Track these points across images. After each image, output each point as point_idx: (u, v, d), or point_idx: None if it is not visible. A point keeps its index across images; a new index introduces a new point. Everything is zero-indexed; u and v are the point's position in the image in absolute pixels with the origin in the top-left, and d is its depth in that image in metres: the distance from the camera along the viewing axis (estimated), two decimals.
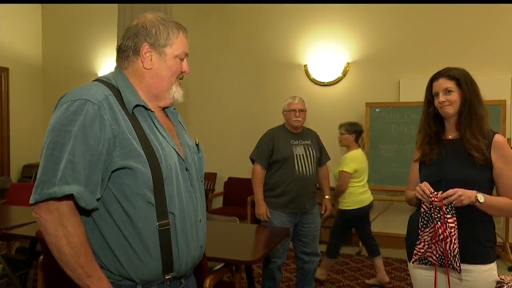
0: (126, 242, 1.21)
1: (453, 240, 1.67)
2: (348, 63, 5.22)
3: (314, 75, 5.33)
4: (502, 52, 4.70)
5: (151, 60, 1.29)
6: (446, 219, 1.67)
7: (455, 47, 4.78)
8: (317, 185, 3.39)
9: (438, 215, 1.69)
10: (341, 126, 3.89)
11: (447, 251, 1.68)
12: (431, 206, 1.72)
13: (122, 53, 1.32)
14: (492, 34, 4.72)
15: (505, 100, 4.40)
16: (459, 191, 1.67)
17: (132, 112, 1.25)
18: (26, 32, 6.60)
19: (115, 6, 5.03)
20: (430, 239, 1.76)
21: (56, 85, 6.61)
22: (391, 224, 4.91)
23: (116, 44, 4.65)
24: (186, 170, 1.34)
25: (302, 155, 3.18)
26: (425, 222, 1.75)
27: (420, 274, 1.89)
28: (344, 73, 5.24)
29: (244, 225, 3.22)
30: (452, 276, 1.80)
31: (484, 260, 1.77)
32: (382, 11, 5.07)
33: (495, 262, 1.81)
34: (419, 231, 1.78)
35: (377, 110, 4.86)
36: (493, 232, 1.82)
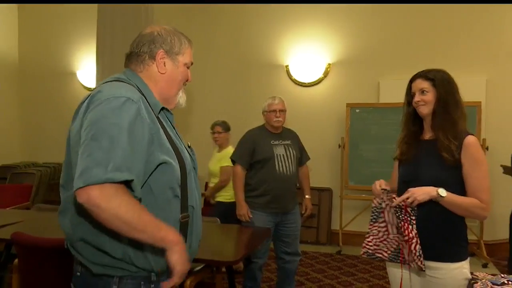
0: None
1: (418, 241, 1.71)
2: (329, 64, 5.27)
3: (296, 75, 5.36)
4: (478, 55, 4.81)
5: (164, 65, 1.41)
6: (411, 220, 1.71)
7: (433, 50, 4.87)
8: (297, 185, 3.40)
9: (402, 216, 1.72)
10: (216, 125, 4.20)
11: (413, 251, 1.71)
12: (384, 203, 1.79)
13: (138, 57, 1.41)
14: (469, 37, 4.83)
15: (480, 102, 4.50)
16: (410, 191, 1.71)
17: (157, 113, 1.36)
18: (2, 32, 6.45)
19: (92, 6, 4.94)
20: (381, 235, 1.81)
21: (32, 85, 6.46)
22: None
23: (95, 44, 4.65)
24: (194, 169, 1.47)
25: (283, 155, 3.20)
26: (375, 216, 1.83)
27: (398, 272, 1.91)
28: (325, 74, 5.28)
29: (226, 225, 3.22)
30: (423, 273, 1.84)
31: (452, 258, 1.80)
32: (363, 13, 5.12)
33: (467, 260, 1.84)
34: (369, 225, 1.85)
35: (357, 110, 4.91)
36: (464, 230, 1.85)
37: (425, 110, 1.86)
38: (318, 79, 5.30)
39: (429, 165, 1.84)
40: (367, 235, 1.88)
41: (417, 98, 1.87)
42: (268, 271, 4.16)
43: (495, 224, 4.54)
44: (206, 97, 5.67)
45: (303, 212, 3.42)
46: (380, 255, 1.86)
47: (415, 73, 1.95)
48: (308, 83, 5.35)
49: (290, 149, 3.25)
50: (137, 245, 1.25)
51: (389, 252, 1.83)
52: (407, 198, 1.71)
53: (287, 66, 5.39)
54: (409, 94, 1.93)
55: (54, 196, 5.21)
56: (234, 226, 3.19)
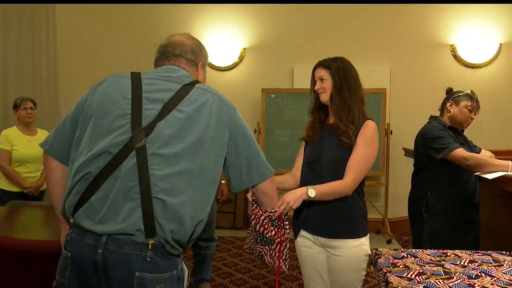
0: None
1: (288, 245, 1.74)
2: (245, 49, 5.25)
3: (211, 59, 5.26)
4: (383, 45, 5.10)
5: (202, 74, 1.67)
6: (284, 225, 1.73)
7: (343, 39, 5.07)
8: None
9: (277, 222, 1.73)
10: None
11: (281, 253, 1.74)
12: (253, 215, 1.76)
13: (186, 60, 1.61)
14: (375, 28, 5.10)
15: (385, 89, 4.80)
16: (285, 200, 1.72)
17: None
18: None
19: None
20: (255, 238, 1.80)
21: None
22: None
23: None
24: None
25: None
26: (266, 238, 1.77)
27: (304, 251, 2.05)
28: (241, 58, 5.26)
29: None
30: (328, 252, 1.96)
31: (352, 235, 1.92)
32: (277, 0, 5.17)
33: (367, 236, 1.97)
34: (248, 227, 1.87)
35: (272, 96, 4.98)
36: (361, 208, 1.96)
37: (324, 97, 1.97)
38: (234, 64, 5.27)
39: (331, 147, 1.95)
40: (248, 233, 1.88)
41: (317, 86, 1.99)
42: (185, 258, 4.09)
43: (398, 203, 4.90)
44: None
45: (218, 197, 3.39)
46: (264, 259, 1.85)
47: None
48: (223, 67, 5.29)
49: None
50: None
51: (268, 257, 1.83)
52: (283, 208, 1.71)
53: None
54: (313, 82, 2.03)
55: None
56: None
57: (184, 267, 1.49)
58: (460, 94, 2.64)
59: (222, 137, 1.45)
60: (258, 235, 1.76)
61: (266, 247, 1.78)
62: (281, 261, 1.74)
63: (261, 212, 1.71)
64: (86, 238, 1.33)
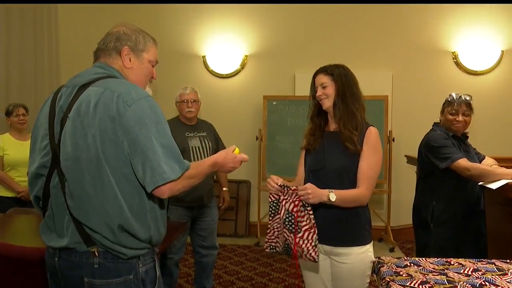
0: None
1: (316, 231, 1.78)
2: (246, 56, 5.26)
3: (213, 66, 5.27)
4: (385, 52, 5.10)
5: (130, 61, 1.52)
6: (307, 211, 1.77)
7: (345, 46, 5.06)
8: (214, 177, 3.35)
9: (302, 207, 1.79)
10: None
11: (310, 240, 1.78)
12: (282, 197, 1.82)
13: (105, 52, 1.51)
14: (376, 34, 5.09)
15: (387, 96, 4.78)
16: (310, 189, 1.78)
17: None
18: None
19: None
20: (280, 227, 1.85)
21: None
22: None
23: None
24: None
25: (198, 147, 3.12)
26: (273, 211, 1.87)
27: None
28: (242, 66, 5.27)
29: None
30: (333, 259, 1.94)
31: (357, 242, 1.92)
32: (280, 7, 5.17)
33: (371, 243, 1.97)
34: (269, 220, 1.89)
35: (274, 103, 4.97)
36: (365, 215, 1.97)
37: (326, 103, 1.97)
38: (236, 71, 5.27)
39: (334, 154, 1.94)
40: (268, 231, 1.92)
41: (319, 92, 1.98)
42: (185, 266, 4.07)
43: (400, 210, 4.86)
44: None
45: (220, 204, 3.38)
46: (278, 248, 1.93)
47: None
48: (225, 75, 5.29)
49: (206, 140, 3.18)
50: (156, 223, 1.44)
51: (282, 245, 1.90)
52: (302, 193, 1.78)
53: (204, 56, 5.28)
54: (313, 88, 2.03)
55: None
56: None
57: (152, 268, 1.48)
58: (444, 102, 2.67)
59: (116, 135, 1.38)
60: (288, 217, 1.78)
61: (292, 235, 1.79)
62: (310, 247, 1.77)
63: (291, 193, 1.79)
64: (49, 247, 1.47)
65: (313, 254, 1.78)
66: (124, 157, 1.35)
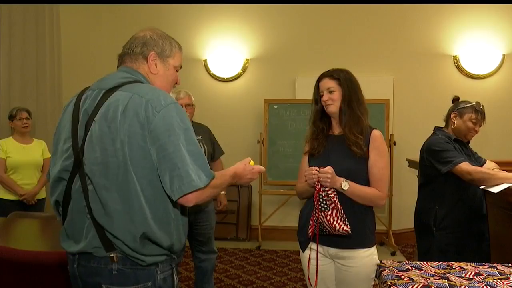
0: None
1: (340, 207, 1.84)
2: (248, 60, 5.27)
3: (214, 70, 5.29)
4: (386, 56, 5.10)
5: (156, 67, 1.51)
6: (326, 191, 1.86)
7: (346, 50, 5.08)
8: None
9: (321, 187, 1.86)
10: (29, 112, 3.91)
11: (338, 217, 1.84)
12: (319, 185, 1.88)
13: (131, 57, 1.51)
14: (378, 39, 5.10)
15: (388, 100, 4.79)
16: (330, 173, 1.84)
17: None
18: None
19: None
20: (321, 205, 1.89)
21: None
22: (289, 217, 5.06)
23: None
24: None
25: None
26: (324, 204, 1.86)
27: (312, 264, 1.98)
28: (244, 69, 5.28)
29: None
30: (338, 263, 1.94)
31: (363, 245, 1.92)
32: (280, 11, 5.19)
33: (375, 246, 1.97)
34: (321, 214, 1.87)
35: (275, 107, 4.98)
36: (371, 218, 1.98)
37: (333, 108, 1.97)
38: (237, 75, 5.28)
39: (341, 158, 1.94)
40: (311, 223, 1.92)
41: (325, 97, 1.96)
42: (186, 270, 4.06)
43: (401, 214, 4.86)
44: None
45: (218, 206, 3.37)
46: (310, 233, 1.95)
47: None
48: (226, 78, 5.30)
49: (202, 144, 3.16)
50: (178, 231, 1.43)
51: (310, 229, 1.93)
52: (321, 175, 1.85)
53: (205, 60, 5.30)
54: (317, 92, 2.02)
55: None
56: None
57: (170, 276, 1.47)
58: (466, 105, 2.59)
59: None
60: (322, 197, 1.85)
61: (322, 213, 1.85)
62: (341, 222, 1.83)
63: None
64: (69, 254, 1.46)
65: (345, 227, 1.83)
66: (151, 164, 1.33)
